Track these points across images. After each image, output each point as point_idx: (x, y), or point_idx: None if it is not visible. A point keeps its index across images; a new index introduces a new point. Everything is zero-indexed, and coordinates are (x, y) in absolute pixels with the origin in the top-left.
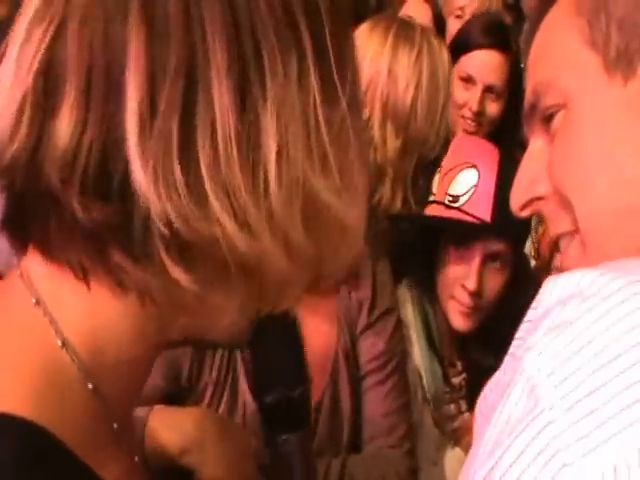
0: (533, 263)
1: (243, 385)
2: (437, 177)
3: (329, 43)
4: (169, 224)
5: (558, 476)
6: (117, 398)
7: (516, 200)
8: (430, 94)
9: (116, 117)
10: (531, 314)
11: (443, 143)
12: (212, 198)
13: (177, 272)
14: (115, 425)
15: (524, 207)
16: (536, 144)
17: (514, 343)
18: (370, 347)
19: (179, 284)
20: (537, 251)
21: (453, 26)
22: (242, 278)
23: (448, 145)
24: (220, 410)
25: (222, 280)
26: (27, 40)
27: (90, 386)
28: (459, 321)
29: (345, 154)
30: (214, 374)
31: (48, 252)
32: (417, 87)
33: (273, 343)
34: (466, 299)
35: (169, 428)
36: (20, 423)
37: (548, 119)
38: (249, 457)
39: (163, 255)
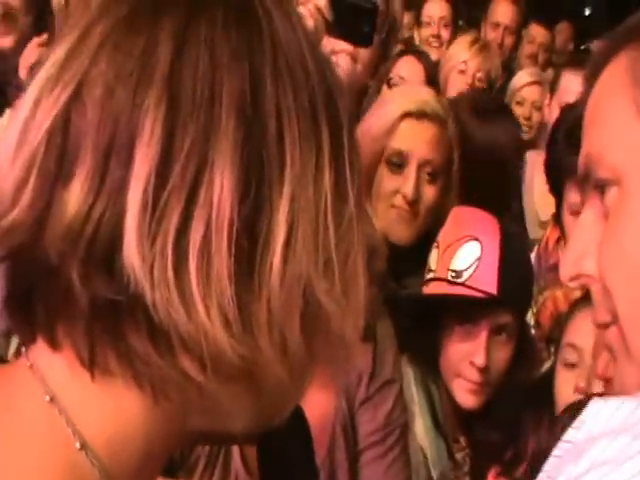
0: (532, 332)
1: (236, 457)
2: (435, 252)
3: (345, 142)
4: (158, 315)
5: None
6: None
7: (565, 271)
8: None
9: (123, 192)
10: (571, 434)
11: None
12: (196, 296)
13: (186, 361)
14: None
15: (573, 279)
16: (589, 214)
17: (550, 461)
18: (369, 420)
19: (190, 377)
20: (537, 321)
21: (455, 82)
22: (237, 382)
23: None
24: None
25: (225, 381)
26: (38, 102)
27: None
28: (467, 399)
29: (348, 258)
30: (207, 447)
31: (53, 337)
32: None
33: (279, 436)
34: (475, 376)
35: None
36: None
37: (602, 189)
38: None
39: (176, 344)
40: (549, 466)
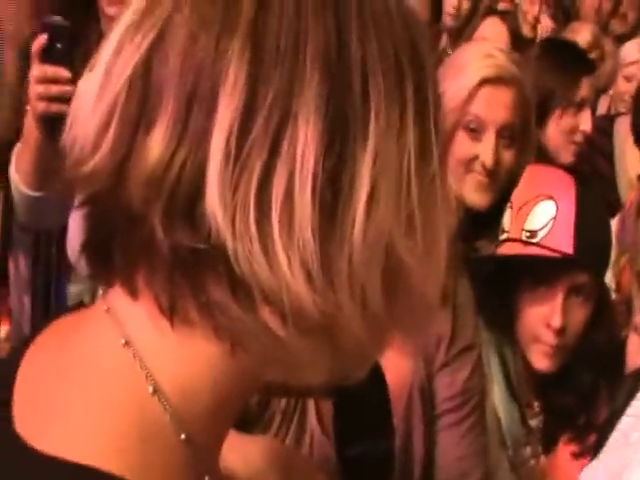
0: (614, 296)
1: (312, 416)
2: (508, 213)
3: (430, 99)
4: (239, 267)
5: None
6: (208, 448)
7: None
8: None
9: (205, 140)
10: None
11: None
12: (279, 249)
13: (267, 314)
14: (207, 478)
15: None
16: None
17: (625, 420)
18: (447, 385)
19: (271, 330)
20: (618, 284)
21: None
22: (316, 337)
23: None
24: (287, 440)
25: (305, 335)
26: (120, 49)
27: (183, 437)
28: (543, 363)
29: (430, 217)
30: (283, 402)
31: (132, 285)
32: None
33: (356, 388)
34: (552, 338)
35: (235, 455)
36: None
37: None
38: None
39: (257, 296)
40: (624, 425)
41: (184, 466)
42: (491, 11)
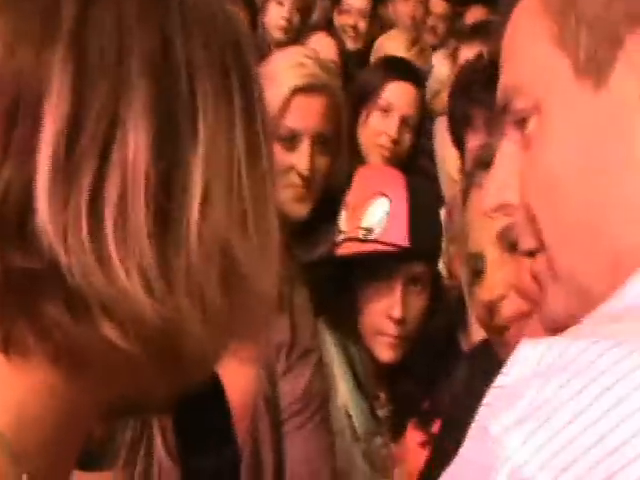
0: (446, 282)
1: (158, 444)
2: (344, 214)
3: (256, 97)
4: (75, 282)
5: None
6: None
7: (488, 202)
8: None
9: (32, 155)
10: (502, 380)
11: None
12: (115, 258)
13: (107, 327)
14: None
15: (495, 210)
16: (507, 147)
17: (481, 410)
18: (290, 391)
19: (112, 343)
20: (449, 271)
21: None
22: (158, 345)
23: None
24: (136, 470)
25: (147, 344)
26: None
27: (24, 478)
28: (387, 354)
29: (262, 215)
30: (128, 434)
31: None
32: None
33: (194, 400)
34: (392, 329)
35: None
36: None
37: (521, 123)
38: None
39: (95, 311)
40: (480, 416)
41: None
42: (319, 27)
